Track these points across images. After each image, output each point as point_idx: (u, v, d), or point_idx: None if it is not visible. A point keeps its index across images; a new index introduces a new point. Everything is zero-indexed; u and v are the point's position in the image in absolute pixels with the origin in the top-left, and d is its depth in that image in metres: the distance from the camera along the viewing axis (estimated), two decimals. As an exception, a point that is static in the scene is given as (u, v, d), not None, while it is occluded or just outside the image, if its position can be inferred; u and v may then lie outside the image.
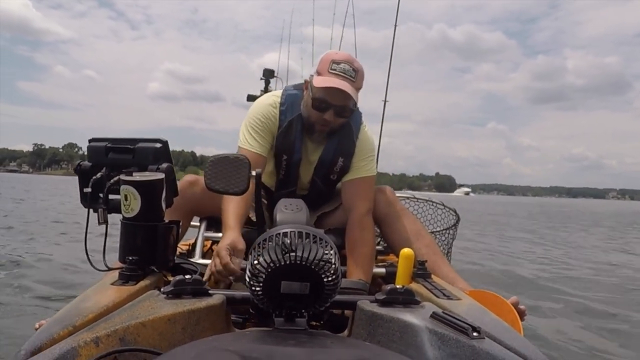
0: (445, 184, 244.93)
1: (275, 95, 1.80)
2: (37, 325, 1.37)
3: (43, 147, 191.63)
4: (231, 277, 1.33)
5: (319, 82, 1.63)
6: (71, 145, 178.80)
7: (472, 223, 12.72)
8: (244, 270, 1.45)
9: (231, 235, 1.44)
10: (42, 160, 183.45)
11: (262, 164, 1.72)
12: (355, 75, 1.64)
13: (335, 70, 1.63)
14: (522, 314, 1.49)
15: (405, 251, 1.41)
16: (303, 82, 1.83)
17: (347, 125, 1.76)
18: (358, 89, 1.67)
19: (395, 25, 3.42)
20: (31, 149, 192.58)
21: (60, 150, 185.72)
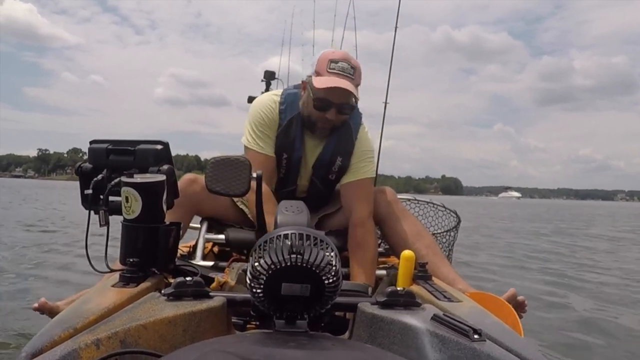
0: (451, 186, 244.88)
1: (274, 94, 1.81)
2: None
3: (48, 152, 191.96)
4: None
5: (320, 82, 1.63)
6: (75, 151, 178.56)
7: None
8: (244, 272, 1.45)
9: None
10: (46, 165, 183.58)
11: (272, 164, 1.74)
12: (353, 73, 1.65)
13: (334, 69, 1.64)
14: (522, 305, 1.48)
15: (406, 253, 1.41)
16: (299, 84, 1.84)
17: (346, 124, 1.77)
18: (357, 85, 1.68)
19: (396, 27, 3.41)
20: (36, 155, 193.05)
21: (65, 155, 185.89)
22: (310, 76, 1.70)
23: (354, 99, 1.69)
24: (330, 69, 1.64)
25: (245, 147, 1.77)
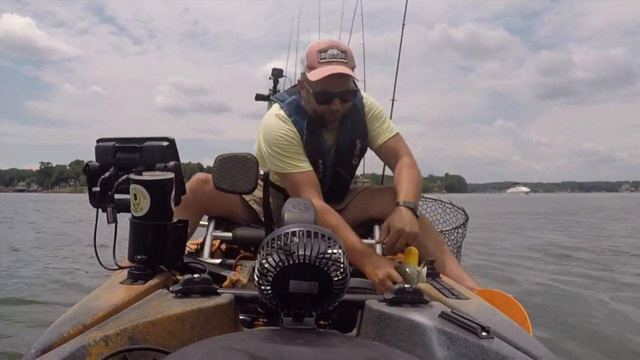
0: (455, 184, 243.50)
1: (278, 110, 1.77)
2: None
3: (50, 165, 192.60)
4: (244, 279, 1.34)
5: (314, 75, 1.61)
6: (78, 163, 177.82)
7: None
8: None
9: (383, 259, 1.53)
10: (49, 178, 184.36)
11: (315, 176, 1.71)
12: (345, 56, 1.63)
13: (324, 58, 1.62)
14: None
15: (410, 249, 1.44)
16: (293, 86, 1.83)
17: (352, 106, 1.76)
18: (352, 68, 1.66)
19: (404, 24, 3.40)
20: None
21: (68, 167, 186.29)
22: (304, 73, 1.69)
23: (353, 83, 1.68)
24: (321, 59, 1.61)
25: (283, 175, 1.71)
